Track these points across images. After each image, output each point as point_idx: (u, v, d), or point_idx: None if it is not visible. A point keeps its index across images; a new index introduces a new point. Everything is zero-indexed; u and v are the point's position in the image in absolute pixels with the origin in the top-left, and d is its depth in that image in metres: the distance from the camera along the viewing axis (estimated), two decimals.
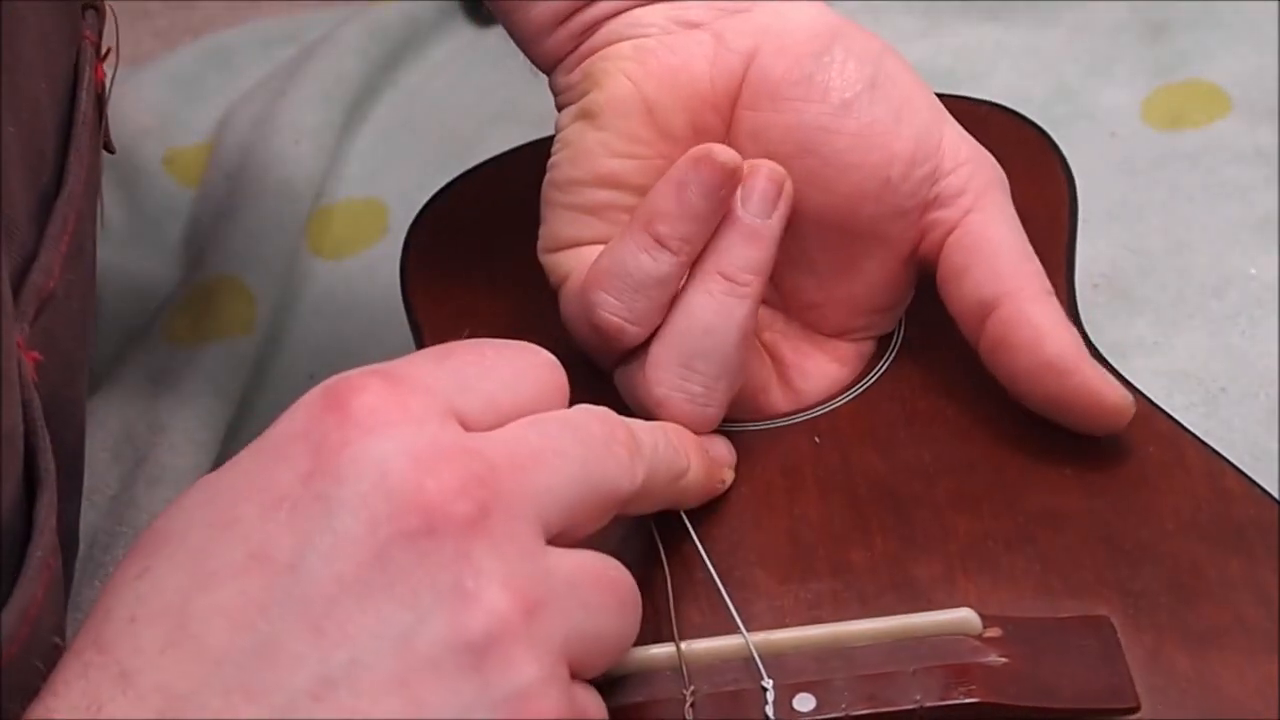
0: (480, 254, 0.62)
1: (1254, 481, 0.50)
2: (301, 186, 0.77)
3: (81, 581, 0.60)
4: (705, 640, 0.47)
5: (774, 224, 0.51)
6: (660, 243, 0.50)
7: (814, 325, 0.55)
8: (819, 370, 0.55)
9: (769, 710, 0.44)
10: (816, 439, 0.53)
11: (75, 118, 0.51)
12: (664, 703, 0.45)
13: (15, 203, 0.46)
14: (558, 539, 0.41)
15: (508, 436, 0.42)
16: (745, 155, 0.52)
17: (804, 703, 0.44)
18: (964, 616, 0.46)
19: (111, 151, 0.58)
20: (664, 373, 0.51)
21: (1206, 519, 0.49)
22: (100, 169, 0.56)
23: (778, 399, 0.54)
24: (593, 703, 0.42)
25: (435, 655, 0.38)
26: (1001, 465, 0.51)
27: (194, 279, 0.73)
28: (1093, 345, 0.55)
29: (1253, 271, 0.67)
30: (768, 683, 0.45)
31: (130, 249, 0.77)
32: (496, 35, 0.57)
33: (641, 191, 0.52)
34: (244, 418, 0.69)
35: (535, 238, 0.55)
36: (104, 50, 0.55)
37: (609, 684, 0.46)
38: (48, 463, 0.43)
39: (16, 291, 0.45)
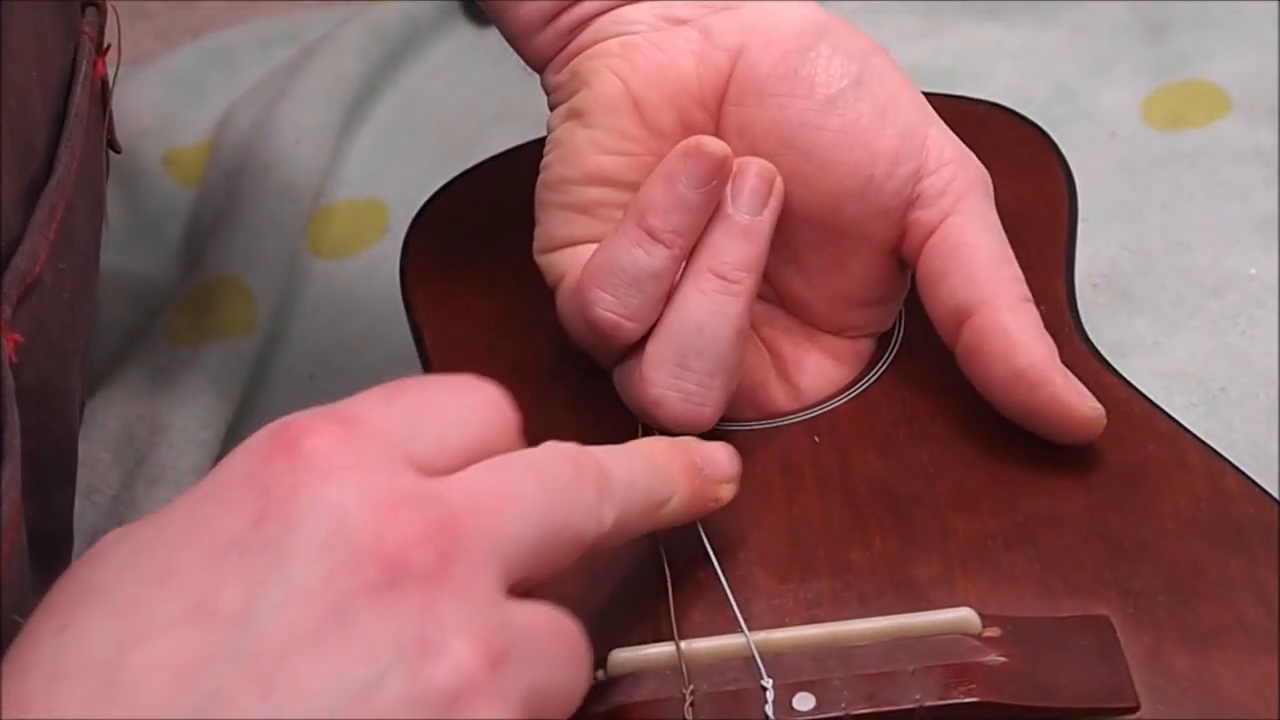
0: (480, 254, 0.62)
1: (1254, 481, 0.50)
2: (301, 186, 0.77)
3: None
4: (705, 639, 0.47)
5: (765, 221, 0.51)
6: (653, 236, 0.51)
7: (808, 321, 0.55)
8: (817, 367, 0.55)
9: (769, 710, 0.44)
10: (816, 438, 0.53)
11: (69, 110, 0.51)
12: (664, 702, 0.45)
13: (1, 186, 0.46)
14: (517, 586, 0.39)
15: (468, 481, 0.40)
16: (733, 152, 0.52)
17: (804, 702, 0.44)
18: (963, 616, 0.46)
19: (117, 151, 0.58)
20: (659, 372, 0.51)
21: (1206, 519, 0.49)
22: (103, 165, 0.56)
23: (777, 395, 0.54)
24: None
25: (398, 711, 0.36)
26: (1001, 465, 0.51)
27: (194, 279, 0.73)
28: (1093, 345, 0.55)
29: (1253, 271, 0.67)
30: (767, 682, 0.45)
31: (130, 249, 0.77)
32: (496, 35, 0.57)
33: (632, 188, 0.52)
34: (244, 418, 0.70)
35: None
36: (105, 46, 0.55)
37: (609, 684, 0.46)
38: (13, 437, 0.42)
39: (0, 271, 0.45)
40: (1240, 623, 0.46)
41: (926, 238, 0.52)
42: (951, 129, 0.53)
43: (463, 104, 0.83)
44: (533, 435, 0.55)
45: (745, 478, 0.52)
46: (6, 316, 0.44)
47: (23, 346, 0.45)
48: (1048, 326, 0.51)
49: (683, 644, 0.46)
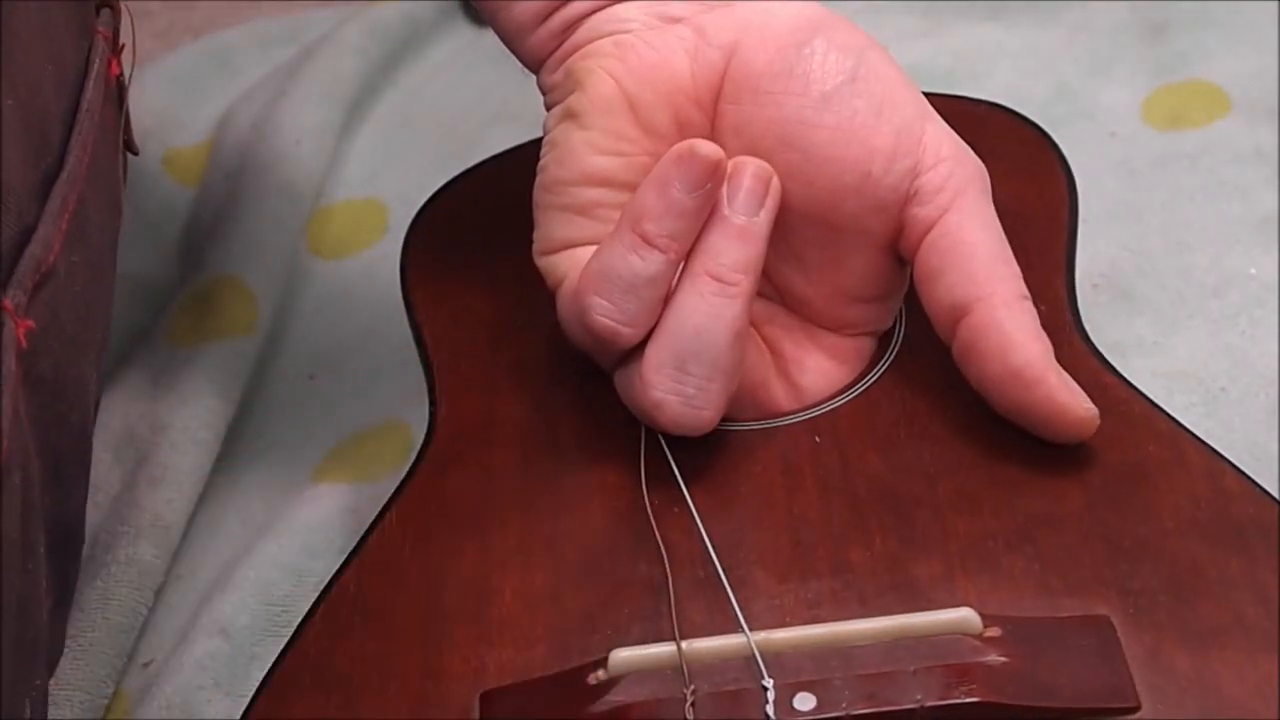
0: (480, 253, 0.62)
1: (1254, 481, 0.50)
2: (301, 186, 0.77)
3: (83, 581, 0.60)
4: (705, 639, 0.47)
5: (762, 221, 0.51)
6: (648, 242, 0.50)
7: (808, 318, 0.55)
8: (818, 366, 0.55)
9: (769, 710, 0.44)
10: (817, 439, 0.53)
11: (80, 104, 0.51)
12: (664, 702, 0.45)
13: (13, 173, 0.46)
14: None
15: None
16: (729, 150, 0.52)
17: (804, 702, 0.44)
18: (964, 616, 0.46)
19: (134, 152, 0.58)
20: (658, 375, 0.51)
21: (1206, 518, 0.49)
22: (119, 166, 0.56)
23: (778, 394, 0.54)
24: None
25: None
26: (1001, 465, 0.51)
27: (194, 279, 0.73)
28: (1093, 345, 0.55)
29: (1253, 271, 0.67)
30: (768, 682, 0.45)
31: (130, 249, 0.77)
32: (496, 35, 0.57)
33: (629, 188, 0.52)
34: (245, 417, 0.70)
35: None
36: (120, 45, 0.55)
37: (610, 683, 0.46)
38: (8, 424, 0.43)
39: (13, 260, 0.45)
40: (1240, 622, 0.46)
41: (924, 234, 0.52)
42: (951, 129, 0.53)
43: (463, 104, 0.83)
44: (532, 435, 0.55)
45: (746, 477, 0.52)
46: (21, 303, 0.45)
47: (36, 335, 0.45)
48: (1048, 326, 0.51)
49: (683, 644, 0.46)
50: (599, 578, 0.50)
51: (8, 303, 0.45)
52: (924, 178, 0.52)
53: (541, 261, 0.54)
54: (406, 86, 0.86)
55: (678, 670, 0.46)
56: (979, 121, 0.63)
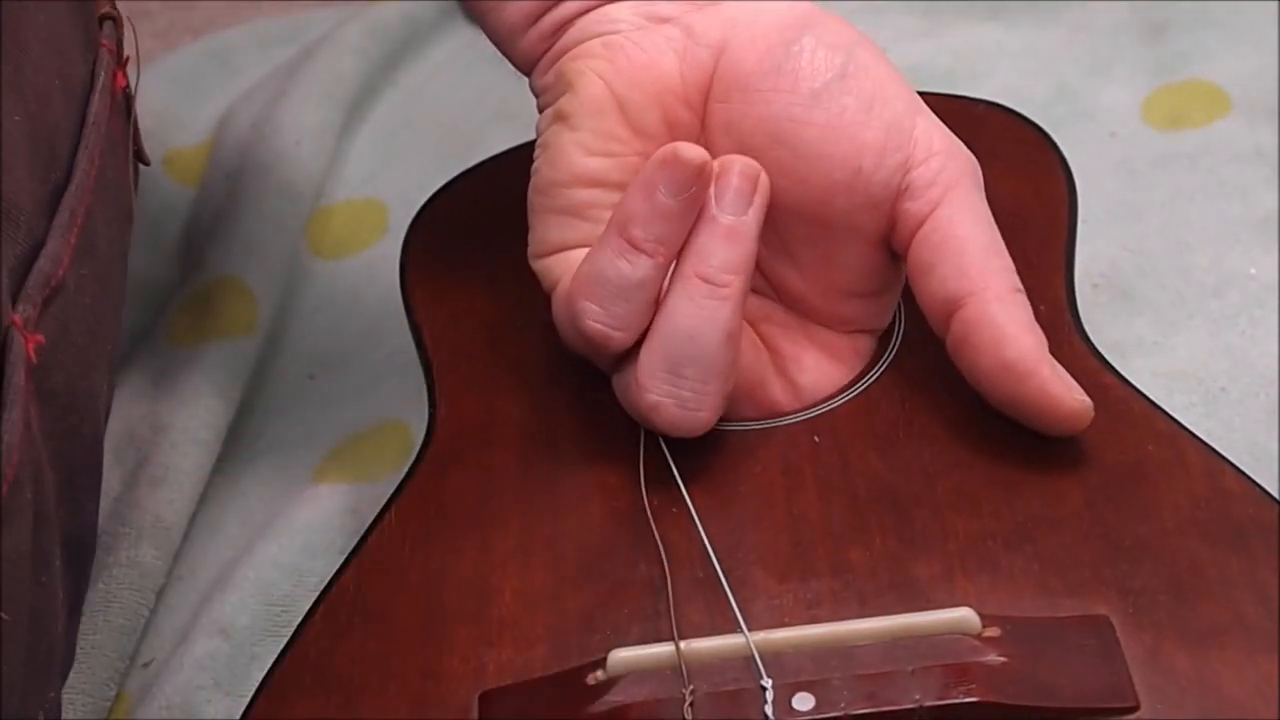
0: (480, 253, 0.62)
1: (1253, 481, 0.50)
2: (301, 187, 0.77)
3: None
4: (704, 639, 0.47)
5: (750, 220, 0.51)
6: (635, 246, 0.50)
7: (805, 315, 0.55)
8: (816, 364, 0.55)
9: (768, 710, 0.44)
10: (816, 438, 0.53)
11: (87, 118, 0.51)
12: (664, 702, 0.45)
13: (21, 188, 0.46)
14: None
15: None
16: (720, 149, 0.52)
17: (803, 702, 0.44)
18: (963, 616, 0.46)
19: (145, 162, 0.58)
20: (653, 379, 0.51)
21: (1206, 518, 0.49)
22: (129, 178, 0.57)
23: (776, 393, 0.54)
24: None
25: None
26: (1000, 464, 0.51)
27: (194, 279, 0.73)
28: (1092, 345, 0.55)
29: (1253, 271, 0.67)
30: (767, 682, 0.45)
31: (130, 249, 0.77)
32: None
33: (621, 189, 0.52)
34: (245, 417, 0.70)
35: None
36: (125, 57, 0.56)
37: (609, 684, 0.46)
38: (10, 434, 0.43)
39: (23, 275, 0.46)
40: (1240, 622, 0.46)
41: (916, 229, 0.52)
42: (951, 129, 0.53)
43: (463, 104, 0.83)
44: (532, 436, 0.55)
45: (745, 477, 0.52)
46: (31, 318, 0.45)
47: (46, 349, 0.45)
48: (1047, 326, 0.51)
49: (682, 644, 0.46)
50: (598, 578, 0.50)
51: (17, 318, 0.45)
52: (915, 172, 0.52)
53: (537, 265, 0.54)
54: (406, 86, 0.86)
55: (676, 670, 0.46)
56: (978, 121, 0.63)
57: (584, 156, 0.53)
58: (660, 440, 0.53)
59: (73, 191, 0.49)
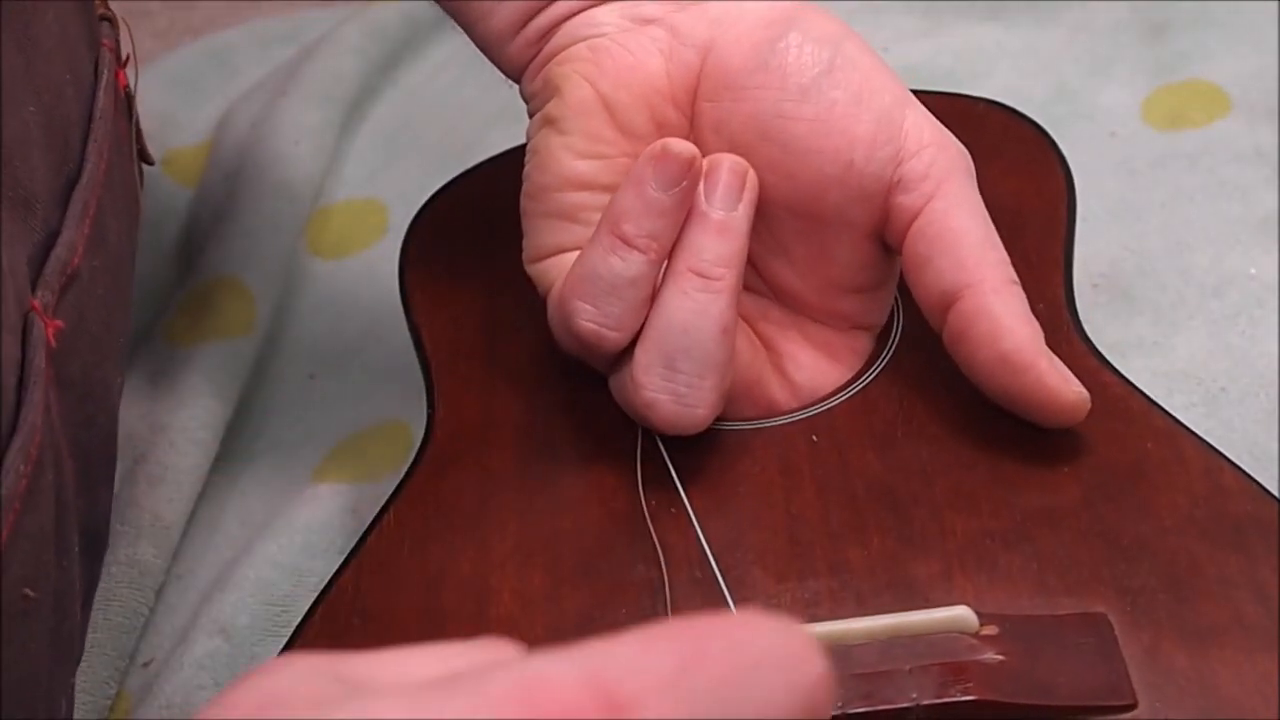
0: (479, 254, 0.62)
1: (1252, 479, 0.50)
2: (301, 187, 0.77)
3: None
4: None
5: (741, 215, 0.51)
6: (627, 243, 0.51)
7: (801, 311, 0.55)
8: (813, 362, 0.55)
9: None
10: (814, 438, 0.53)
11: (94, 112, 0.52)
12: None
13: (38, 178, 0.47)
14: None
15: None
16: (709, 148, 0.52)
17: None
18: (961, 614, 0.46)
19: (149, 162, 0.59)
20: (648, 376, 0.51)
21: (1205, 516, 0.49)
22: (135, 176, 0.57)
23: (774, 391, 0.54)
24: None
25: None
26: (999, 463, 0.51)
27: (193, 279, 0.73)
28: (1091, 344, 0.55)
29: (1253, 271, 0.67)
30: None
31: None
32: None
33: (612, 191, 0.52)
34: (245, 417, 0.70)
35: None
36: (125, 57, 0.57)
37: None
38: (32, 414, 0.44)
39: (41, 262, 0.47)
40: (1239, 621, 0.46)
41: (910, 222, 0.52)
42: (950, 127, 0.53)
43: (463, 104, 0.83)
44: (530, 436, 0.55)
45: (744, 477, 0.52)
46: (50, 304, 0.46)
47: (65, 334, 0.46)
48: (1046, 325, 0.51)
49: None
50: (597, 578, 0.50)
51: (36, 303, 0.45)
52: (907, 165, 0.52)
53: (531, 269, 0.54)
54: (406, 86, 0.86)
55: None
56: (978, 120, 0.63)
57: (573, 159, 0.53)
58: (658, 441, 0.53)
59: (84, 183, 0.50)
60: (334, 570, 0.52)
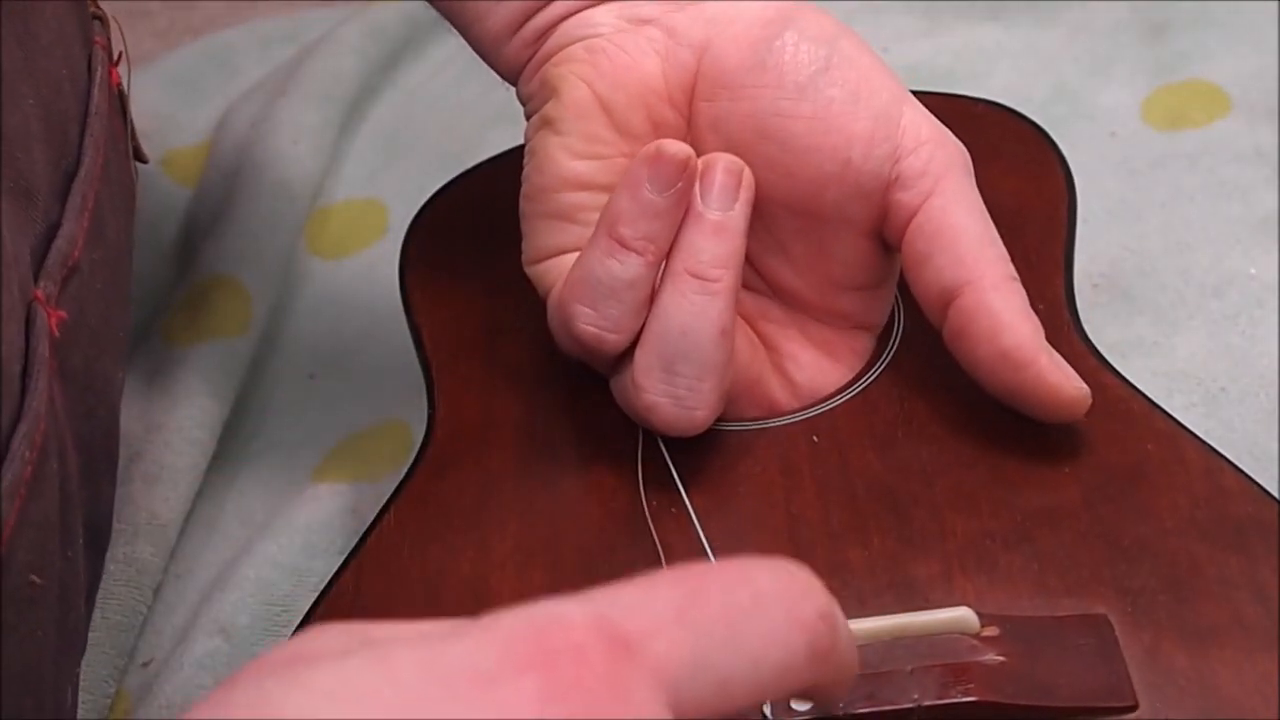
0: (479, 254, 0.62)
1: (1253, 480, 0.50)
2: (300, 186, 0.77)
3: None
4: None
5: (737, 215, 0.51)
6: (624, 245, 0.51)
7: (801, 310, 0.55)
8: (814, 362, 0.55)
9: (766, 710, 0.44)
10: (815, 438, 0.53)
11: (89, 109, 0.53)
12: None
13: (38, 171, 0.48)
14: None
15: None
16: (707, 147, 0.52)
17: (801, 702, 0.44)
18: (962, 615, 0.46)
19: (143, 160, 0.59)
20: (648, 378, 0.51)
21: (1205, 517, 0.49)
22: (129, 170, 0.57)
23: (775, 391, 0.54)
24: None
25: None
26: (999, 464, 0.51)
27: (191, 279, 0.73)
28: (1091, 344, 0.55)
29: (1253, 271, 0.67)
30: None
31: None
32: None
33: (610, 191, 0.52)
34: (245, 417, 0.70)
35: None
36: (117, 55, 0.57)
37: None
38: (36, 401, 0.44)
39: (43, 254, 0.47)
40: (1239, 621, 0.46)
41: (909, 219, 0.52)
42: (950, 128, 0.53)
43: (463, 104, 0.83)
44: (530, 436, 0.55)
45: (744, 478, 0.52)
46: (52, 294, 0.47)
47: (67, 326, 0.47)
48: (1047, 325, 0.51)
49: None
50: (597, 578, 0.49)
51: (39, 293, 0.46)
52: (905, 162, 0.52)
53: (531, 271, 0.54)
54: (406, 86, 0.86)
55: None
56: (978, 121, 0.63)
57: (571, 160, 0.53)
58: (659, 441, 0.53)
59: (82, 177, 0.50)
60: (334, 570, 0.52)
